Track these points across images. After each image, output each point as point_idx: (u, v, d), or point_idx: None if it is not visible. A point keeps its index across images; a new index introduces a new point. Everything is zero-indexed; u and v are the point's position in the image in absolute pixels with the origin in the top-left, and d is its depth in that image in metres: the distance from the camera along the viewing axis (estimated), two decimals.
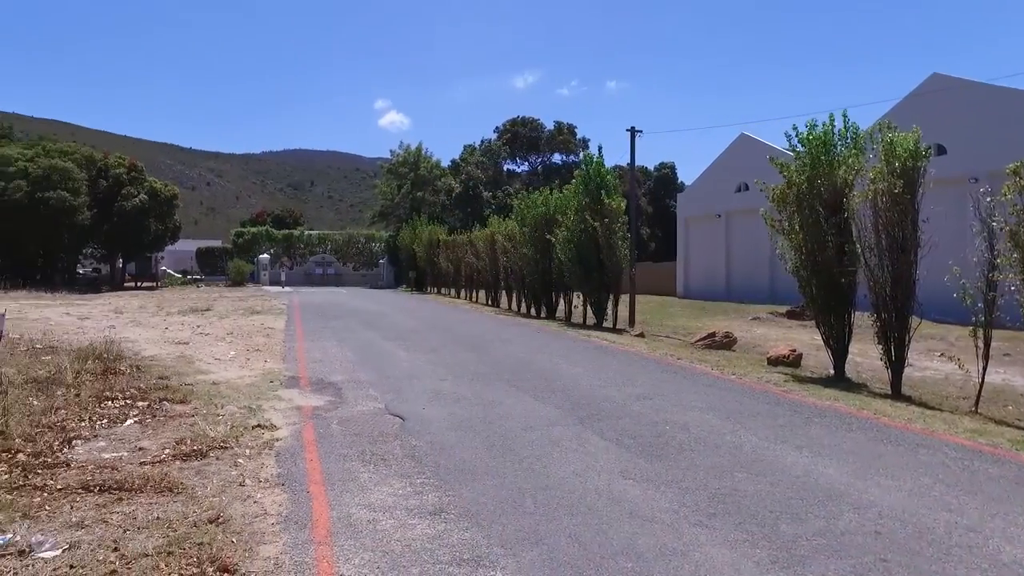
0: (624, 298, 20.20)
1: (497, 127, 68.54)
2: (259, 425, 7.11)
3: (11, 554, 3.99)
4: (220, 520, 4.60)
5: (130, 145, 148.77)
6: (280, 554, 4.14)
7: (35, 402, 7.44)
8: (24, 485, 5.06)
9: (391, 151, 56.81)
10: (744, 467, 5.88)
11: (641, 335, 16.83)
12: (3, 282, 31.79)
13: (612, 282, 19.55)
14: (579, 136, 68.29)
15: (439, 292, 39.61)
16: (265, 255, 51.95)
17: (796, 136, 11.11)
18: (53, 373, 8.87)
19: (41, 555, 4.01)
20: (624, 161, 29.92)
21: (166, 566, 3.88)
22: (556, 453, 6.29)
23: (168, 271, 51.90)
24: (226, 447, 6.30)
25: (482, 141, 65.08)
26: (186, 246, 57.68)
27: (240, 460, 5.95)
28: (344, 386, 9.40)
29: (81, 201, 38.88)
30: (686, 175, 69.28)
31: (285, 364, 11.18)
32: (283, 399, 8.52)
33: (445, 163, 59.31)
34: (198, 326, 16.84)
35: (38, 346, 11.81)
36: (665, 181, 65.63)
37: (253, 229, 57.68)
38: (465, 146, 63.62)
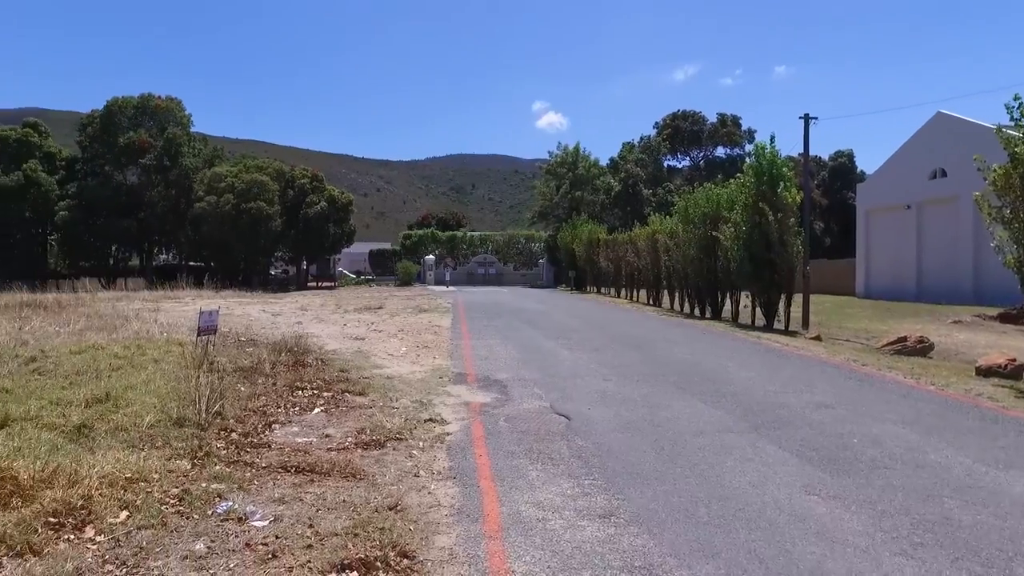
0: (796, 298, 18.78)
1: (656, 122, 66.98)
2: (431, 419, 7.44)
3: (233, 519, 4.50)
4: (398, 508, 4.84)
5: (312, 157, 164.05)
6: (454, 545, 4.27)
7: (242, 388, 8.36)
8: (238, 460, 5.69)
9: (549, 152, 57.52)
10: (956, 492, 5.17)
11: (817, 338, 15.55)
12: (215, 282, 36.44)
13: (784, 281, 18.25)
14: (744, 127, 64.83)
15: (599, 291, 39.44)
16: (430, 256, 54.84)
17: (1020, 107, 9.61)
18: (255, 363, 9.92)
19: (254, 523, 4.48)
20: (794, 152, 27.89)
21: (353, 546, 4.14)
22: (729, 461, 5.94)
23: (344, 272, 56.53)
24: (401, 439, 6.66)
25: (641, 138, 63.87)
26: (360, 248, 62.33)
27: (414, 452, 6.25)
28: (509, 384, 9.60)
29: (274, 210, 43.48)
30: (866, 163, 63.26)
31: (452, 361, 11.65)
32: (452, 395, 8.86)
33: (603, 162, 58.93)
34: (372, 323, 18.09)
35: (242, 339, 13.30)
36: (842, 171, 60.20)
37: (419, 232, 61.12)
38: (624, 144, 62.80)
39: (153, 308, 20.42)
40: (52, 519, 4.24)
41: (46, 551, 3.96)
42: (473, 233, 63.48)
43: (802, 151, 22.66)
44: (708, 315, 22.26)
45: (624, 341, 14.89)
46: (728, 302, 21.44)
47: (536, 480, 5.50)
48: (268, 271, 51.64)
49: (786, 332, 17.20)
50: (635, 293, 32.26)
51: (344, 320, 18.91)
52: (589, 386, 9.46)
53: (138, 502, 4.62)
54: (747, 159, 20.02)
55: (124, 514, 4.47)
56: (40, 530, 4.11)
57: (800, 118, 21.88)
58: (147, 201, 45.27)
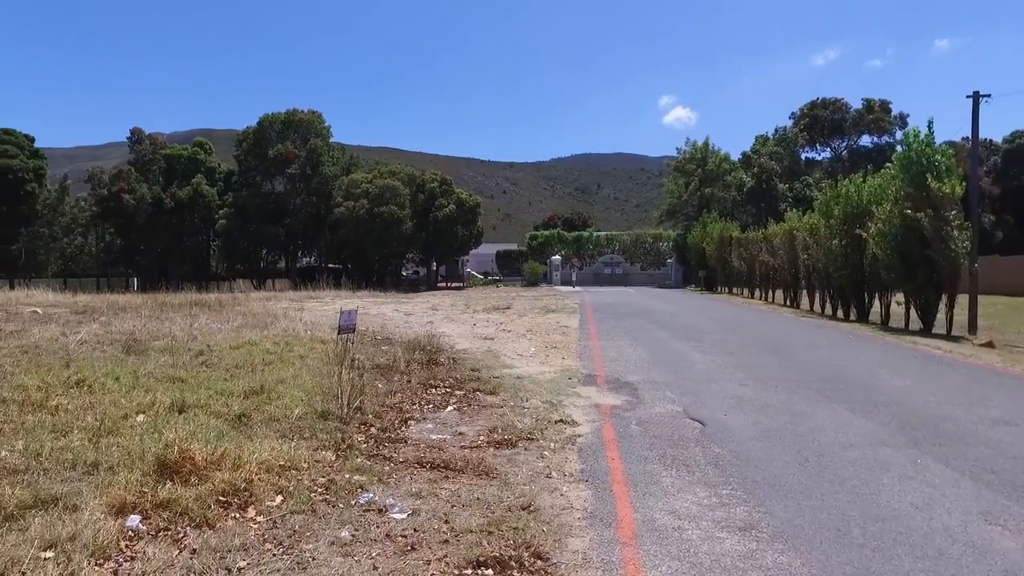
0: (961, 299, 16.92)
1: (793, 113, 63.20)
2: (561, 420, 7.42)
3: (374, 510, 4.72)
4: (531, 508, 4.85)
5: (440, 162, 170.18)
6: (587, 549, 4.21)
7: (380, 385, 8.77)
8: (377, 454, 5.96)
9: (677, 148, 55.95)
10: None
11: (989, 344, 13.92)
12: (351, 283, 38.72)
13: (944, 280, 16.52)
14: (894, 113, 59.52)
15: (731, 292, 37.82)
16: (556, 256, 55.04)
17: None
18: (391, 361, 10.38)
19: (393, 515, 4.66)
20: (959, 136, 25.15)
21: (487, 544, 4.19)
22: (887, 479, 5.43)
23: (472, 272, 58.04)
24: (532, 439, 6.68)
25: (775, 130, 60.47)
26: (487, 249, 63.77)
27: (546, 453, 6.25)
28: (640, 386, 9.39)
29: (405, 213, 45.49)
30: None
31: (581, 362, 11.58)
32: (582, 396, 8.80)
33: (735, 156, 56.42)
34: (500, 323, 18.40)
35: (378, 337, 13.97)
36: (1018, 154, 53.33)
37: (545, 232, 61.54)
38: (756, 137, 59.72)
39: (298, 307, 21.99)
40: (221, 498, 4.65)
41: (218, 526, 4.35)
42: (599, 233, 63.01)
43: (968, 135, 20.42)
44: (853, 317, 20.65)
45: (760, 344, 14.13)
46: (877, 303, 19.76)
47: (671, 487, 5.32)
48: (400, 272, 54.11)
49: (948, 337, 15.58)
50: (770, 294, 30.59)
51: (473, 320, 19.38)
52: (724, 391, 9.05)
53: (291, 488, 4.95)
54: (898, 148, 18.29)
55: (279, 498, 4.81)
56: (212, 507, 4.52)
57: (968, 97, 19.58)
58: (292, 208, 48.93)
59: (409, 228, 45.79)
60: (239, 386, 7.98)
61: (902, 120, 58.50)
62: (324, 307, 22.60)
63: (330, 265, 52.04)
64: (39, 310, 19.41)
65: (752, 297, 32.89)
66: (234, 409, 6.96)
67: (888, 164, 18.26)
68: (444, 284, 52.91)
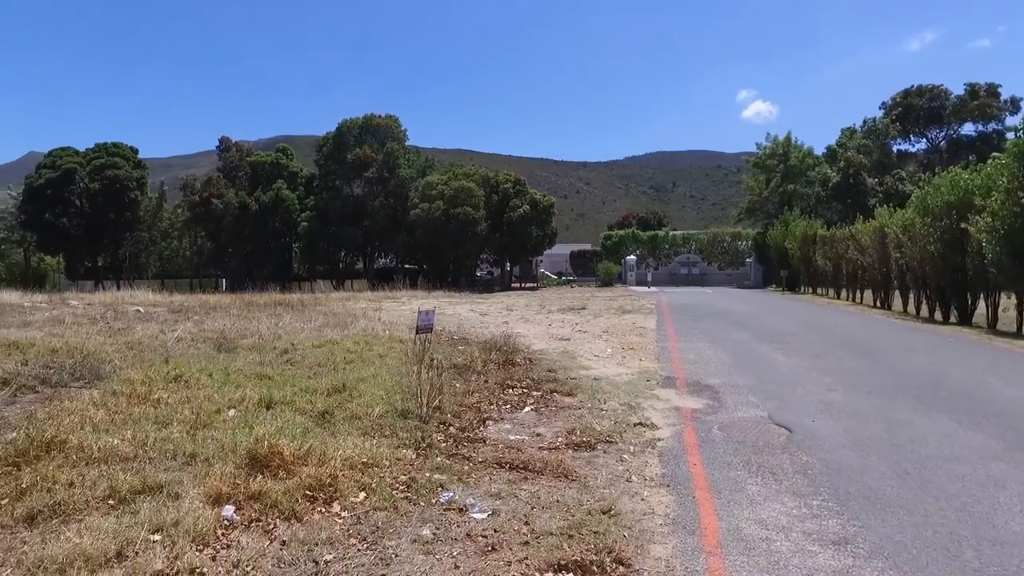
0: None
1: (884, 102, 59.73)
2: (640, 423, 7.27)
3: (454, 509, 4.76)
4: (612, 512, 4.77)
5: (513, 163, 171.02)
6: (671, 557, 4.09)
7: (457, 385, 8.85)
8: (456, 454, 6.01)
9: (757, 144, 54.01)
10: None
11: None
12: (427, 283, 39.42)
13: None
14: (1003, 97, 55.06)
15: (814, 292, 36.25)
16: (631, 256, 54.29)
17: None
18: (468, 361, 10.48)
19: (473, 515, 4.68)
20: None
21: (568, 547, 4.14)
22: (1003, 497, 5.03)
23: (546, 273, 57.98)
24: (611, 442, 6.58)
25: (864, 121, 57.28)
26: (560, 250, 63.55)
27: (625, 456, 6.14)
28: (721, 389, 9.10)
29: (480, 214, 45.91)
30: None
31: (660, 363, 11.35)
32: (661, 399, 8.61)
33: (819, 151, 53.95)
34: (576, 324, 18.28)
35: (454, 337, 14.14)
36: None
37: (620, 232, 60.81)
38: (843, 130, 56.84)
39: (375, 307, 22.55)
40: (308, 492, 4.80)
41: (305, 519, 4.49)
42: (675, 232, 61.73)
43: None
44: (954, 320, 19.35)
45: (849, 347, 13.45)
46: (982, 305, 18.43)
47: (756, 495, 5.11)
48: (474, 272, 54.67)
49: None
50: (858, 294, 29.10)
51: (548, 320, 19.35)
52: (811, 396, 8.65)
53: (373, 485, 5.05)
54: (1009, 135, 16.98)
55: (362, 495, 4.91)
56: (300, 500, 4.68)
57: None
58: (370, 210, 50.27)
59: (484, 229, 46.22)
60: (322, 384, 8.24)
61: (1014, 104, 54.10)
62: (401, 307, 23.10)
63: (406, 266, 53.18)
64: (141, 309, 20.73)
65: (838, 298, 31.40)
66: (318, 406, 7.19)
67: (996, 153, 16.96)
68: (518, 284, 53.09)
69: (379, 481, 5.12)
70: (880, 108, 59.55)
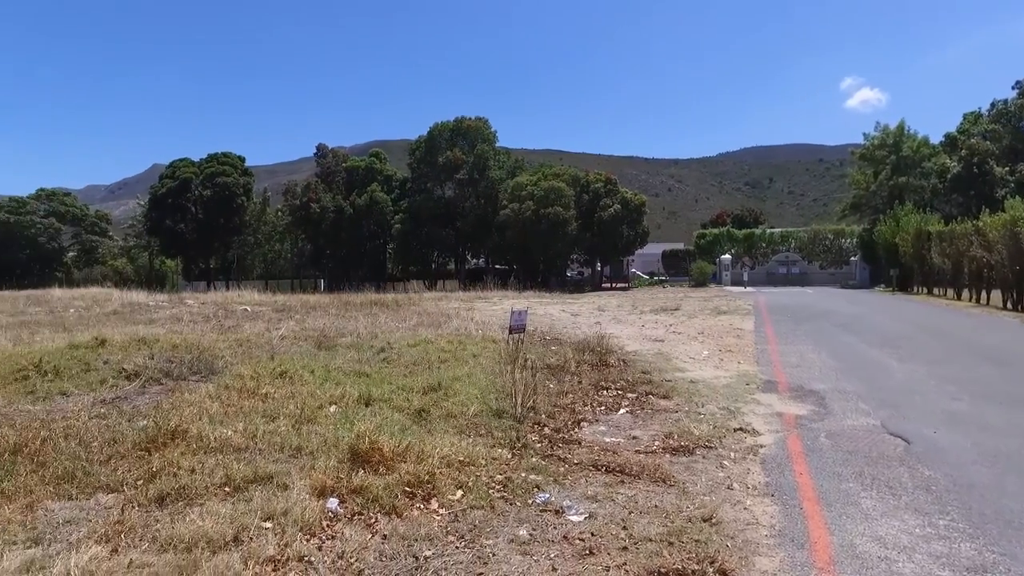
0: None
1: (1018, 82, 54.20)
2: (740, 428, 6.99)
3: (550, 511, 4.73)
4: (713, 520, 4.59)
5: (603, 162, 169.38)
6: (778, 571, 3.90)
7: (551, 385, 8.82)
8: (551, 455, 5.98)
9: (864, 134, 50.70)
10: None
11: None
12: (517, 284, 39.67)
13: None
14: None
15: (929, 292, 33.74)
16: (726, 255, 52.53)
17: None
18: (561, 362, 10.43)
19: (570, 517, 4.64)
20: None
21: (668, 555, 4.02)
22: None
23: (637, 273, 57.03)
24: (710, 447, 6.36)
25: (992, 104, 52.32)
26: (652, 249, 62.28)
27: (725, 462, 5.91)
28: (828, 395, 8.60)
29: (570, 214, 45.74)
30: None
31: (759, 367, 10.88)
32: (761, 403, 8.24)
33: (934, 139, 50.00)
34: (670, 325, 17.85)
35: (547, 337, 14.13)
36: None
37: (714, 230, 58.98)
38: (965, 115, 52.28)
39: (467, 307, 22.90)
40: (407, 488, 4.90)
41: (405, 515, 4.59)
42: (772, 230, 59.18)
43: None
44: None
45: (974, 352, 12.41)
46: None
47: (872, 510, 4.78)
48: (565, 273, 54.53)
49: None
50: (983, 295, 26.81)
51: (641, 321, 19.00)
52: (931, 405, 8.02)
53: (470, 483, 5.10)
54: None
55: (459, 493, 4.97)
56: (400, 496, 4.78)
57: None
58: (461, 212, 51.15)
59: (574, 229, 46.03)
60: (418, 382, 8.42)
61: None
62: (492, 307, 23.35)
63: (497, 266, 53.75)
64: (248, 308, 22.00)
65: (958, 299, 29.06)
66: (414, 404, 7.35)
67: None
68: (609, 285, 52.50)
69: (476, 480, 5.16)
70: (1014, 88, 54.04)
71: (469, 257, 57.39)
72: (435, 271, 56.31)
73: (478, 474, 5.29)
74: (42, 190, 70.17)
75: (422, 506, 4.75)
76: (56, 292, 31.36)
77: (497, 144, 54.36)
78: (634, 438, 6.69)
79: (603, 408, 7.93)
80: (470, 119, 53.42)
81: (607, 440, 6.59)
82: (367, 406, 7.25)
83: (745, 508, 4.86)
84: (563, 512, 4.71)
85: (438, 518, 4.58)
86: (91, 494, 4.91)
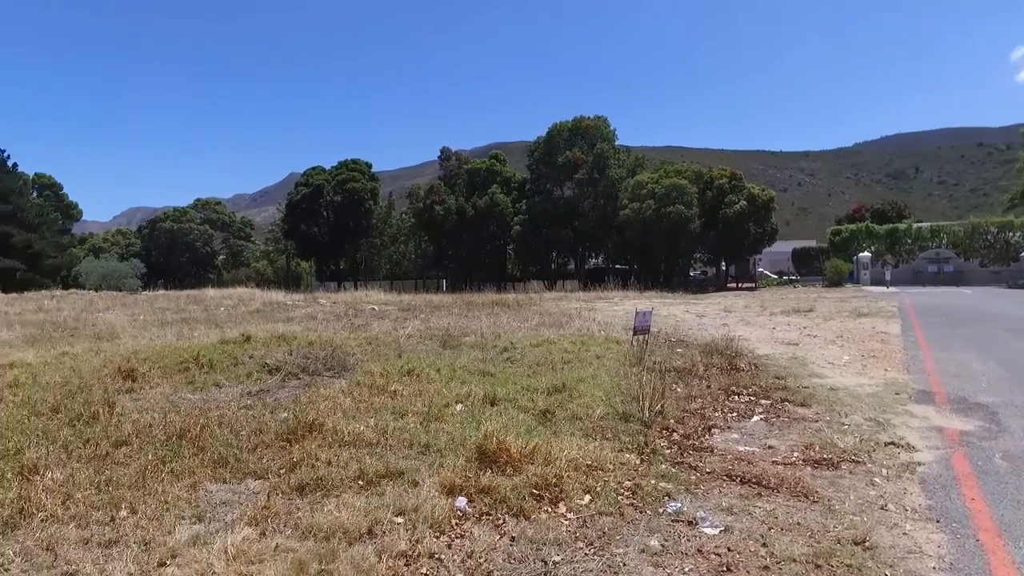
0: None
1: None
2: (892, 443, 6.37)
3: (683, 521, 4.51)
4: (866, 544, 4.19)
5: (727, 157, 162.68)
6: None
7: (678, 389, 8.50)
8: (681, 462, 5.72)
9: None
10: None
11: None
12: (638, 284, 38.90)
13: None
14: None
15: None
16: (865, 253, 48.69)
17: None
18: (688, 365, 10.03)
19: (704, 529, 4.40)
20: None
21: None
22: None
23: (765, 272, 54.24)
24: (857, 461, 5.83)
25: None
26: (781, 247, 59.00)
27: (876, 480, 5.39)
28: (1000, 410, 7.66)
29: (693, 212, 44.28)
30: None
31: (910, 375, 9.91)
32: (915, 416, 7.48)
33: None
34: (804, 327, 16.74)
35: (671, 339, 13.68)
36: None
37: (851, 226, 54.85)
38: None
39: (588, 307, 22.68)
40: (535, 491, 4.85)
41: (532, 517, 4.54)
42: (920, 224, 54.15)
43: None
44: None
45: None
46: None
47: None
48: (687, 272, 52.91)
49: None
50: None
51: (772, 323, 17.96)
52: None
53: (598, 488, 4.97)
54: None
55: (587, 497, 4.85)
56: (527, 498, 4.74)
57: None
58: (580, 211, 50.93)
59: (697, 227, 44.54)
60: (542, 383, 8.39)
61: None
62: (614, 307, 23.01)
63: (617, 266, 53.09)
64: (375, 307, 23.05)
65: None
66: (539, 405, 7.31)
67: None
68: (734, 285, 50.30)
69: (604, 485, 5.03)
70: None
71: (589, 257, 57.08)
72: (554, 271, 56.47)
73: (606, 479, 5.15)
74: (198, 200, 77.53)
75: (550, 509, 4.68)
76: (209, 292, 34.44)
77: (616, 143, 53.64)
78: (770, 448, 6.27)
79: (735, 415, 7.52)
80: (589, 118, 53.08)
81: (741, 449, 6.22)
82: (492, 405, 7.30)
83: (904, 533, 4.39)
84: (696, 523, 4.48)
85: (566, 523, 4.49)
86: (241, 479, 5.26)
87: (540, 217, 52.01)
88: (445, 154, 63.67)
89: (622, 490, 5.00)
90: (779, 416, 7.44)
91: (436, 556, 4.01)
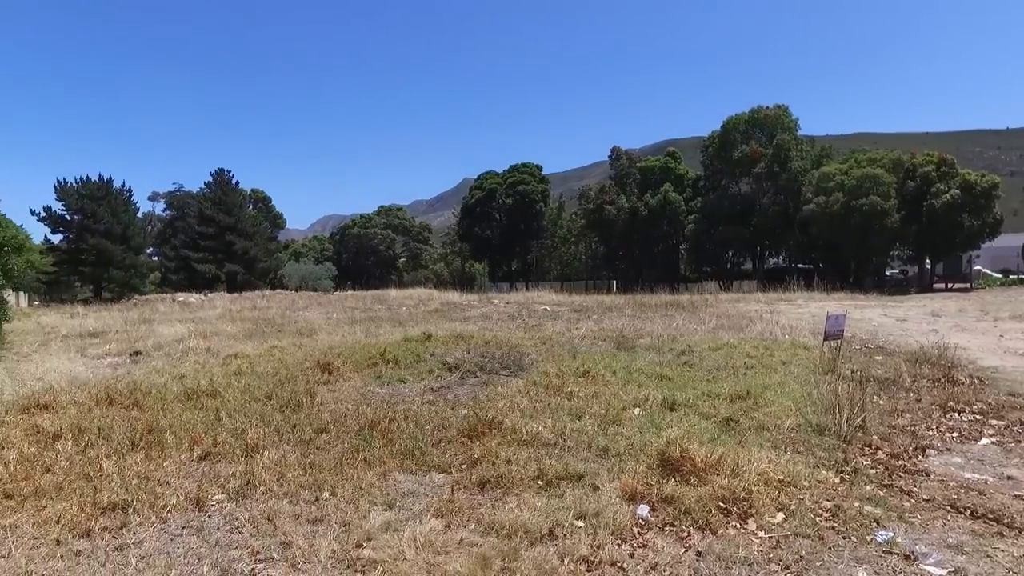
0: None
1: None
2: None
3: (897, 554, 3.98)
4: None
5: (931, 140, 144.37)
6: None
7: (880, 401, 7.61)
8: (890, 485, 5.08)
9: None
10: None
11: None
12: (824, 284, 35.72)
13: None
14: None
15: None
16: None
17: None
18: (891, 375, 8.97)
19: (927, 567, 3.84)
20: None
21: None
22: None
23: (983, 271, 47.40)
24: None
25: None
26: (1006, 241, 50.86)
27: None
28: None
29: (890, 205, 39.80)
30: None
31: None
32: None
33: None
34: None
35: (868, 346, 12.37)
36: None
37: None
38: None
39: (769, 310, 21.21)
40: (721, 504, 4.55)
41: (719, 532, 4.25)
42: None
43: None
44: None
45: None
46: None
47: None
48: (882, 271, 47.78)
49: None
50: None
51: (998, 330, 15.56)
52: None
53: (792, 507, 4.55)
54: None
55: (780, 516, 4.46)
56: (713, 511, 4.46)
57: None
58: (758, 208, 47.92)
59: (895, 221, 40.00)
60: (724, 389, 7.93)
61: None
62: (798, 310, 21.34)
63: (799, 265, 49.36)
64: (548, 308, 23.36)
65: None
66: (721, 412, 6.91)
67: None
68: (942, 285, 44.44)
69: (799, 504, 4.60)
70: None
71: (768, 256, 53.65)
72: (730, 271, 53.73)
73: (801, 497, 4.71)
74: (381, 207, 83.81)
75: (738, 525, 4.36)
76: (392, 292, 37.06)
77: (799, 132, 49.83)
78: (1009, 478, 5.35)
79: (955, 435, 6.55)
80: (767, 108, 49.87)
81: (967, 476, 5.39)
82: (671, 411, 7.02)
83: None
84: (916, 559, 3.92)
85: (757, 541, 4.16)
86: (426, 471, 5.50)
87: (715, 215, 49.73)
88: (615, 153, 62.99)
89: (820, 511, 4.54)
90: (1018, 440, 6.36)
91: (618, 564, 3.88)
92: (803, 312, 19.91)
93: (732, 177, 50.25)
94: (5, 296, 16.63)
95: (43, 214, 45.11)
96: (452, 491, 5.00)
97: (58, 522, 4.51)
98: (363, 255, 75.44)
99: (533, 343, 12.46)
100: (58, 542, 4.27)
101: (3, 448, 6.10)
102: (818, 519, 4.42)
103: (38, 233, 44.89)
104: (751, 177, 48.62)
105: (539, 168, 63.75)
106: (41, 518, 4.59)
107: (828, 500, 4.72)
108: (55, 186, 45.27)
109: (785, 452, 5.66)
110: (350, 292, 42.88)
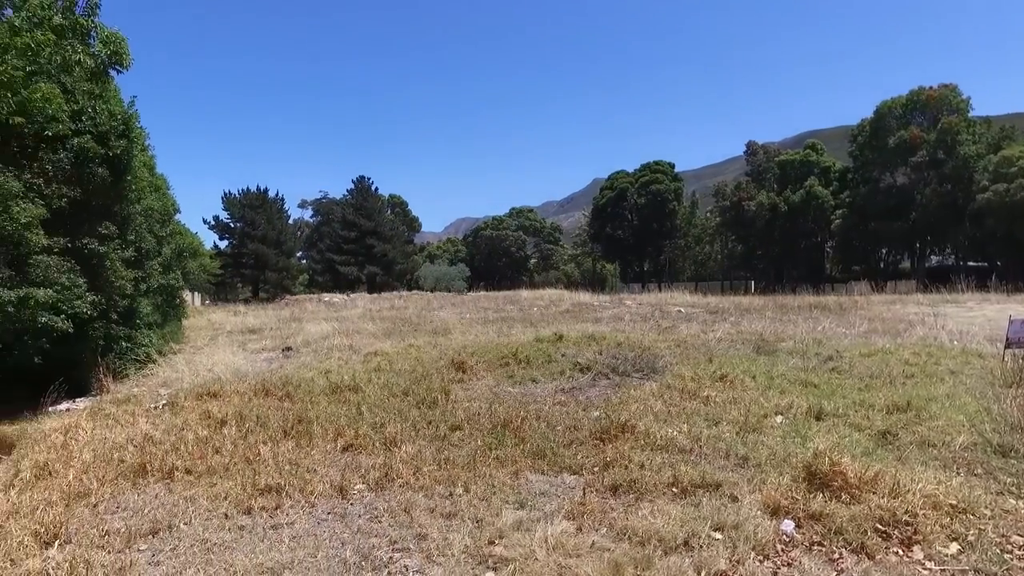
0: None
1: None
2: None
3: None
4: None
5: None
6: None
7: None
8: None
9: None
10: None
11: None
12: (1003, 284, 31.73)
13: None
14: None
15: None
16: None
17: None
18: None
19: None
20: None
21: None
22: None
23: None
24: None
25: None
26: None
27: None
28: None
29: None
30: None
31: None
32: None
33: None
34: None
35: None
36: None
37: None
38: None
39: (932, 313, 19.20)
40: (879, 526, 4.14)
41: (878, 557, 3.88)
42: None
43: None
44: None
45: None
46: None
47: None
48: None
49: None
50: None
51: None
52: None
53: (970, 538, 4.04)
54: None
55: (955, 546, 3.97)
56: (869, 533, 4.07)
57: None
58: (917, 201, 43.62)
59: None
60: (878, 399, 7.26)
61: None
62: (968, 313, 19.15)
63: (969, 263, 44.38)
64: (682, 309, 22.62)
65: None
66: (876, 424, 6.33)
67: None
68: None
69: (979, 534, 4.07)
70: None
71: (929, 254, 48.72)
72: (883, 270, 49.37)
73: (981, 527, 4.17)
74: (513, 208, 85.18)
75: (900, 552, 3.95)
76: (523, 293, 37.54)
77: (971, 114, 44.69)
78: None
79: None
80: (930, 88, 45.22)
81: None
82: (818, 420, 6.53)
83: None
84: None
85: (926, 573, 3.73)
86: (558, 472, 5.47)
87: (865, 209, 45.89)
88: (751, 148, 59.93)
89: (1008, 545, 3.99)
90: None
91: None
92: (975, 316, 17.83)
93: (886, 167, 46.11)
94: (184, 296, 18.69)
95: (212, 223, 50.60)
96: (584, 493, 4.93)
97: (226, 498, 5.00)
98: (495, 256, 77.11)
99: (667, 345, 12.09)
100: (226, 516, 4.73)
101: (184, 430, 6.83)
102: (1006, 556, 3.88)
103: (208, 240, 50.46)
104: (909, 166, 44.36)
105: (671, 166, 62.02)
106: (213, 493, 5.11)
107: (1019, 534, 4.14)
108: (222, 197, 50.61)
109: (958, 473, 5.07)
110: (483, 293, 44.00)
